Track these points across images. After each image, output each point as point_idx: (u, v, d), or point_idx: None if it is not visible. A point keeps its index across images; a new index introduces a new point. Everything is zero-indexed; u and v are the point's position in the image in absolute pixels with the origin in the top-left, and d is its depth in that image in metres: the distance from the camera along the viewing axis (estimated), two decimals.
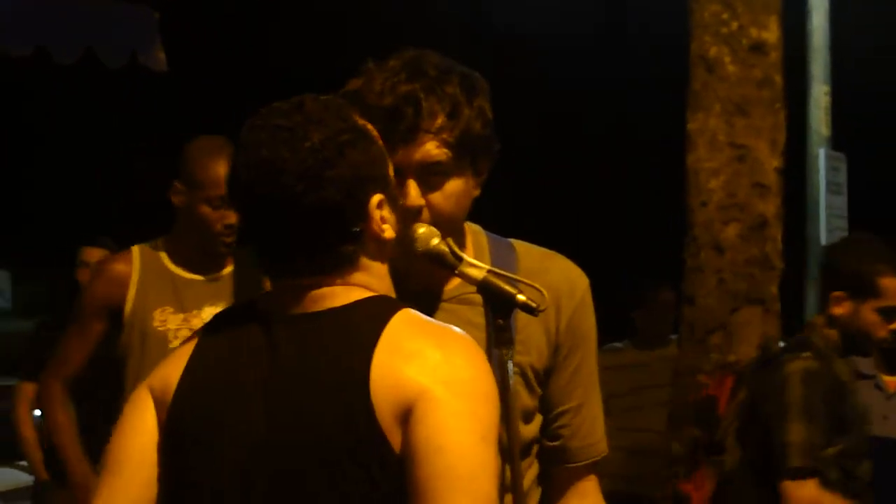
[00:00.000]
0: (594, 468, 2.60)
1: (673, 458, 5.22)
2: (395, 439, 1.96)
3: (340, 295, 2.09)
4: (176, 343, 4.10)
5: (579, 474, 2.58)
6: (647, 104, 14.90)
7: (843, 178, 8.82)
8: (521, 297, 2.25)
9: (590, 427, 2.57)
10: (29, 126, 16.56)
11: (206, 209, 4.14)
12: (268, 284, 2.20)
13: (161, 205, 4.32)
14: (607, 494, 2.65)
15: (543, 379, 2.49)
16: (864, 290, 4.09)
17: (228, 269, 4.26)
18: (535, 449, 2.53)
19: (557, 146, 17.24)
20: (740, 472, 4.10)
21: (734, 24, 5.36)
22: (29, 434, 6.46)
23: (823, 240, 12.11)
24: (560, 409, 2.52)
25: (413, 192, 2.31)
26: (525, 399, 2.46)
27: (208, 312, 4.16)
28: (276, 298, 2.13)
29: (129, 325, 4.21)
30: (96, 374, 4.32)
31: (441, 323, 2.10)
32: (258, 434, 2.04)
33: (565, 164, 17.25)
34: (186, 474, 2.09)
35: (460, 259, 2.31)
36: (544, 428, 2.53)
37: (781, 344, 4.63)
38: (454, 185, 2.35)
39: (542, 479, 2.56)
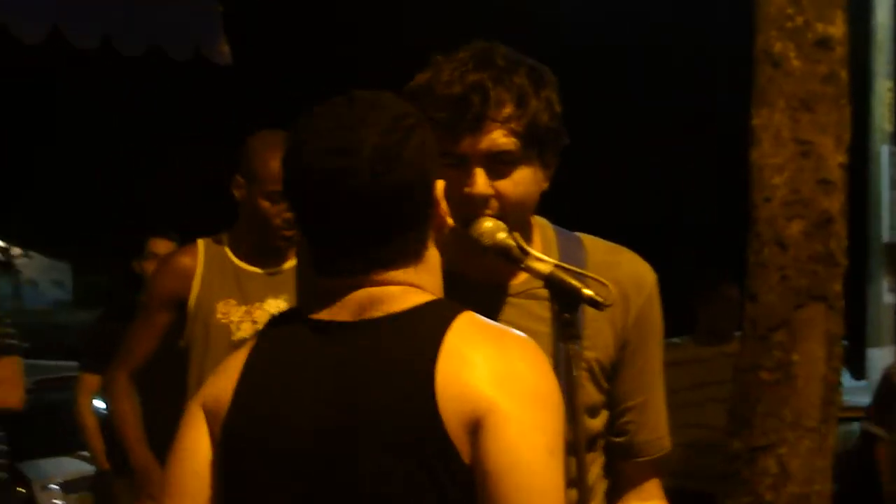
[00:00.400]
0: (658, 465, 2.60)
1: (732, 455, 5.19)
2: (464, 449, 1.95)
3: (398, 298, 2.06)
4: (239, 335, 4.14)
5: (644, 471, 2.58)
6: (712, 100, 14.85)
7: None
8: (587, 292, 2.23)
9: (655, 423, 2.56)
10: (91, 119, 16.70)
11: (265, 203, 4.17)
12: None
13: (226, 198, 4.35)
14: (664, 490, 2.65)
15: (610, 374, 2.48)
16: None
17: (290, 263, 4.29)
18: (600, 443, 2.52)
19: (622, 142, 17.20)
20: None
21: (800, 20, 5.32)
22: (90, 424, 6.51)
23: (886, 237, 12.06)
24: (626, 404, 2.51)
25: (480, 180, 2.30)
26: (591, 394, 2.44)
27: (271, 304, 4.20)
28: (331, 303, 2.10)
29: (192, 318, 4.25)
30: (161, 370, 4.35)
31: (501, 326, 2.08)
32: (320, 445, 2.02)
33: (630, 160, 17.22)
34: (244, 486, 2.08)
35: (527, 253, 2.29)
36: (610, 423, 2.52)
37: (845, 343, 4.58)
38: (522, 174, 2.33)
39: (607, 471, 2.55)
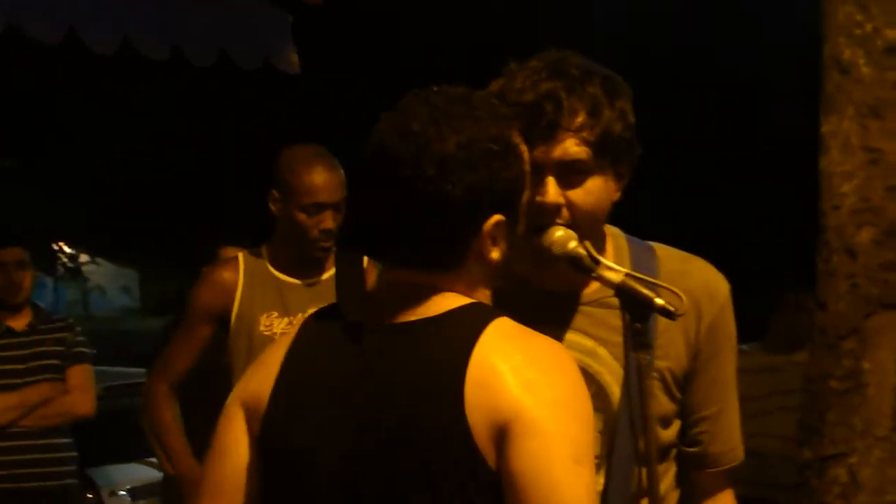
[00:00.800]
0: (731, 475, 2.59)
1: (802, 465, 5.16)
2: (490, 456, 1.95)
3: (436, 302, 2.08)
4: None
5: (717, 482, 2.57)
6: (781, 107, 14.75)
7: None
8: (658, 301, 2.23)
9: (728, 433, 2.55)
10: (160, 127, 16.83)
11: (301, 216, 4.21)
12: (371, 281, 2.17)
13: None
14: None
15: (682, 384, 2.47)
16: None
17: (329, 273, 4.31)
18: (672, 452, 2.52)
19: (692, 150, 17.12)
20: None
21: (868, 26, 5.28)
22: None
23: None
24: (700, 414, 2.51)
25: (552, 188, 2.29)
26: (663, 404, 2.44)
27: None
28: (370, 303, 2.12)
29: (235, 331, 4.28)
30: (201, 389, 4.35)
31: (535, 333, 2.07)
32: (354, 447, 2.03)
33: (699, 168, 17.13)
34: (282, 486, 2.10)
35: (598, 262, 2.29)
36: (683, 433, 2.52)
37: None
38: (594, 184, 2.32)
39: (679, 481, 2.55)
